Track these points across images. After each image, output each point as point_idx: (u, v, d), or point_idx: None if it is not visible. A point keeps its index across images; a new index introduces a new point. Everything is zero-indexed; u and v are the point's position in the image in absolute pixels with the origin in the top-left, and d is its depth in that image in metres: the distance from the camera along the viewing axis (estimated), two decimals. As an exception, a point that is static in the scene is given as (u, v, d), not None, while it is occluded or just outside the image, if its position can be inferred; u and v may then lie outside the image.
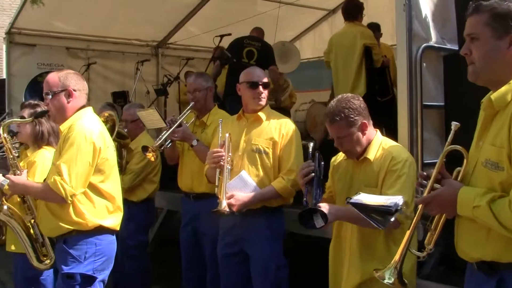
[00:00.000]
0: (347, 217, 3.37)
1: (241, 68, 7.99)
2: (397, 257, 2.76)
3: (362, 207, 2.97)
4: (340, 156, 3.70)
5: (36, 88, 9.25)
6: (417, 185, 2.78)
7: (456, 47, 4.49)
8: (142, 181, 6.05)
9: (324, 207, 3.23)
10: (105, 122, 5.50)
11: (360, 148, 3.51)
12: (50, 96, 3.94)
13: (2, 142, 4.32)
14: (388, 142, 3.57)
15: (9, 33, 9.73)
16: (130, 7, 9.69)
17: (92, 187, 3.85)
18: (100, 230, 3.88)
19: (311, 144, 3.63)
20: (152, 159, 5.21)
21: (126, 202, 5.72)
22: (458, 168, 2.71)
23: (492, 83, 2.59)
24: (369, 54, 6.77)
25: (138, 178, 6.00)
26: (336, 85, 7.06)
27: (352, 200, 3.00)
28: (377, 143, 3.53)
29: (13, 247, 4.62)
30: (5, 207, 4.37)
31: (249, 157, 4.37)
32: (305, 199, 3.43)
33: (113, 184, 3.99)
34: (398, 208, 2.90)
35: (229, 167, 4.33)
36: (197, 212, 5.23)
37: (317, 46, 11.76)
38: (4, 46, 10.00)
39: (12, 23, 9.68)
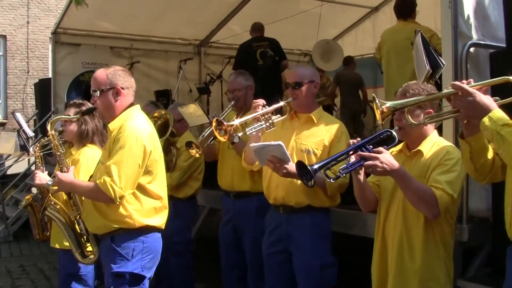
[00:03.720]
0: (406, 177, 3.22)
1: (258, 71, 8.09)
2: None
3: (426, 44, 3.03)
4: (392, 151, 3.60)
5: (78, 87, 9.43)
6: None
7: (503, 45, 4.42)
8: (188, 178, 6.10)
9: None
10: (158, 119, 5.58)
11: (413, 136, 3.44)
12: (98, 94, 3.87)
13: (49, 139, 4.34)
14: (444, 142, 3.50)
15: (55, 33, 9.93)
16: (173, 7, 9.76)
17: (140, 188, 3.81)
18: (147, 229, 3.86)
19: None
20: (197, 155, 5.23)
21: (172, 199, 5.83)
22: (496, 97, 2.76)
23: None
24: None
25: (186, 175, 6.04)
26: (386, 81, 6.91)
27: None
28: (433, 140, 3.47)
29: (56, 245, 4.68)
30: (51, 203, 4.40)
31: (298, 156, 4.30)
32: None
33: (160, 184, 3.96)
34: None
35: (264, 124, 4.29)
36: (238, 211, 5.22)
37: (359, 44, 11.67)
38: (50, 46, 10.20)
39: (57, 24, 9.87)
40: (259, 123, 4.31)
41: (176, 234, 5.95)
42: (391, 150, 3.38)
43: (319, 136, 4.34)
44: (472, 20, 4.42)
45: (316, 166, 3.30)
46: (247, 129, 4.31)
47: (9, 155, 11.93)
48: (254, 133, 4.30)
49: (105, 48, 10.36)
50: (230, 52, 10.88)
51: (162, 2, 9.62)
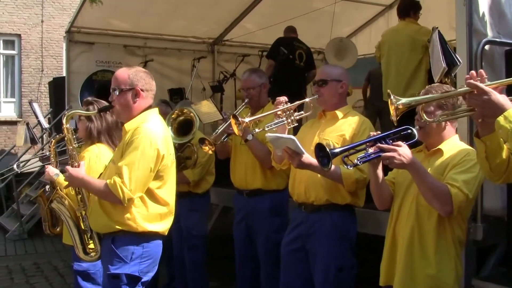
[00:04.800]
0: (422, 172, 3.22)
1: (294, 68, 8.11)
2: None
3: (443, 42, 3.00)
4: (412, 151, 3.59)
5: (91, 86, 9.48)
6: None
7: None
8: (205, 173, 6.16)
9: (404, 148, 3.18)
10: (180, 115, 5.60)
11: (433, 137, 3.44)
12: (117, 93, 3.85)
13: (64, 134, 4.32)
14: (465, 145, 3.50)
15: (68, 31, 9.97)
16: (186, 5, 9.78)
17: (149, 192, 3.78)
18: (150, 235, 3.82)
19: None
20: (210, 152, 5.24)
21: (189, 195, 5.93)
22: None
23: None
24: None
25: (204, 171, 6.11)
26: (385, 81, 6.90)
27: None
28: (454, 141, 3.47)
29: (68, 240, 4.68)
30: (58, 196, 4.37)
31: None
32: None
33: (169, 191, 3.92)
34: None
35: (285, 120, 4.26)
36: (251, 209, 5.20)
37: (373, 42, 11.56)
38: (64, 45, 10.23)
39: (71, 22, 9.91)
40: (280, 119, 4.30)
41: (194, 228, 6.05)
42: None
43: (341, 130, 4.31)
44: (487, 18, 4.38)
45: (337, 150, 3.30)
46: (267, 125, 4.30)
47: (23, 154, 12.06)
48: (274, 129, 4.27)
49: (119, 47, 10.40)
50: (243, 50, 10.91)
51: (175, 1, 9.64)
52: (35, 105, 11.53)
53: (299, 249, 4.39)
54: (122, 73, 3.89)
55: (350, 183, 4.15)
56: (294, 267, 4.45)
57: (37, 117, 11.60)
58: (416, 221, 3.37)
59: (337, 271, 4.21)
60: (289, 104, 4.32)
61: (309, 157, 3.98)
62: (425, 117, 3.07)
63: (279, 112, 4.31)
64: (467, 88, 2.67)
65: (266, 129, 4.26)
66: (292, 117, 4.30)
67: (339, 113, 4.39)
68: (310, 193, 4.29)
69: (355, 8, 11.00)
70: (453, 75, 3.21)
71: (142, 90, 3.86)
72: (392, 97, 2.92)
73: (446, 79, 3.32)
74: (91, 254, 4.33)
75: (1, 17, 17.82)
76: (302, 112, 4.42)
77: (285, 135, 4.13)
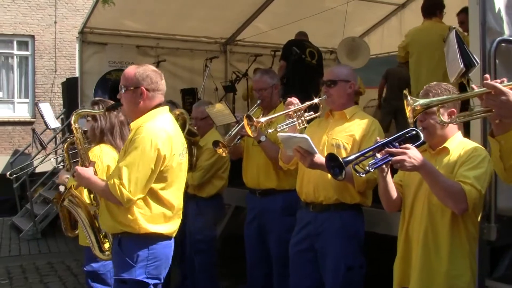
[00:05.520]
0: (433, 172, 3.21)
1: (305, 66, 8.10)
2: None
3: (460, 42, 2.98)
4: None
5: (105, 85, 9.51)
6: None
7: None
8: (212, 177, 6.03)
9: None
10: (176, 120, 5.55)
11: (437, 137, 3.43)
12: (123, 91, 3.82)
13: (73, 134, 4.29)
14: (469, 141, 3.49)
15: (82, 32, 10.00)
16: (198, 5, 9.78)
17: (152, 193, 3.72)
18: (154, 236, 3.76)
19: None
20: (224, 154, 5.23)
21: (195, 198, 5.84)
22: None
23: None
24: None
25: (208, 175, 5.97)
26: (415, 82, 6.83)
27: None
28: (458, 139, 3.46)
29: (83, 241, 4.68)
30: (70, 195, 4.33)
31: (329, 151, 4.21)
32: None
33: (174, 192, 3.85)
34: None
35: (296, 121, 4.27)
36: (263, 209, 5.21)
37: (385, 42, 11.56)
38: (77, 45, 10.26)
39: (84, 23, 9.93)
40: (290, 120, 4.31)
41: (199, 232, 5.97)
42: None
43: (350, 131, 4.31)
44: (503, 16, 4.33)
45: (350, 158, 3.30)
46: (278, 126, 4.30)
47: (36, 155, 12.15)
48: (286, 130, 4.26)
49: (131, 47, 10.41)
50: (255, 50, 10.87)
51: (187, 1, 9.65)
52: (43, 105, 11.63)
53: (308, 249, 4.40)
54: (130, 71, 3.87)
55: (360, 183, 4.16)
56: (302, 268, 4.46)
57: (43, 118, 11.71)
58: (429, 221, 3.36)
59: (346, 270, 4.21)
60: (300, 105, 4.33)
61: (320, 157, 3.98)
62: (442, 118, 3.05)
63: (290, 113, 4.31)
64: (484, 88, 2.64)
65: (278, 129, 4.26)
66: (303, 118, 4.30)
67: (347, 113, 4.39)
68: (319, 192, 4.29)
69: (368, 8, 10.96)
70: (469, 75, 3.17)
71: (147, 89, 3.80)
72: (409, 98, 2.91)
73: (463, 80, 3.29)
74: (106, 253, 4.31)
75: (15, 18, 17.92)
76: (312, 112, 4.42)
77: (299, 135, 4.13)
